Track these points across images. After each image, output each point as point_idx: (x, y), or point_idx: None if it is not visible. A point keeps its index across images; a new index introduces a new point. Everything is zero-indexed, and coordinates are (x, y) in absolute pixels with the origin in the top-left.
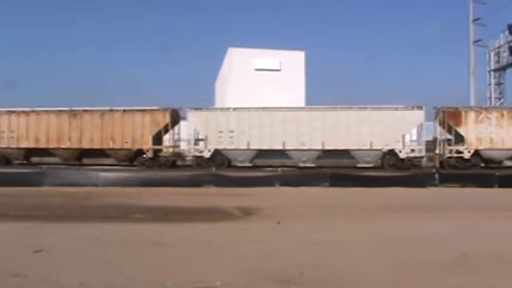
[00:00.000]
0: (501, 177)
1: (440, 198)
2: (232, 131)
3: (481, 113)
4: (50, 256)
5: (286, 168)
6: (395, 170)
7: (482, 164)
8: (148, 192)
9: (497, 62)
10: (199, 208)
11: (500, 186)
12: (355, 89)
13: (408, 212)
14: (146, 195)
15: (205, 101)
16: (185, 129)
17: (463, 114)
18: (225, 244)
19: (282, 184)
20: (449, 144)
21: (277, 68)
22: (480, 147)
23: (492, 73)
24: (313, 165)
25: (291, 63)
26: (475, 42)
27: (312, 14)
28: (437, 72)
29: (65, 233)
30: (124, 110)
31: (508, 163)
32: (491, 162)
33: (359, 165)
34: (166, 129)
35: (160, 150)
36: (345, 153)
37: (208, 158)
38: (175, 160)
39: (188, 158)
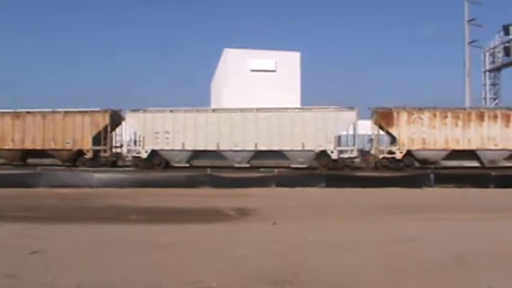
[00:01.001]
0: (497, 177)
1: (435, 198)
2: (167, 132)
3: (413, 114)
4: (45, 257)
5: (282, 169)
6: (392, 171)
7: (417, 165)
8: (143, 193)
9: (492, 62)
10: (195, 209)
11: (496, 186)
12: (351, 90)
13: (403, 213)
14: (142, 196)
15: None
16: (127, 130)
17: (395, 114)
18: (221, 245)
19: (278, 185)
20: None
21: (273, 68)
22: (413, 148)
23: (487, 73)
24: (247, 165)
25: (287, 64)
26: (470, 42)
27: (307, 14)
28: (433, 73)
29: (60, 234)
30: (65, 112)
31: (446, 163)
32: (425, 163)
33: (293, 165)
34: (106, 131)
35: (100, 151)
36: (279, 153)
37: (146, 159)
38: (116, 160)
39: (128, 159)
